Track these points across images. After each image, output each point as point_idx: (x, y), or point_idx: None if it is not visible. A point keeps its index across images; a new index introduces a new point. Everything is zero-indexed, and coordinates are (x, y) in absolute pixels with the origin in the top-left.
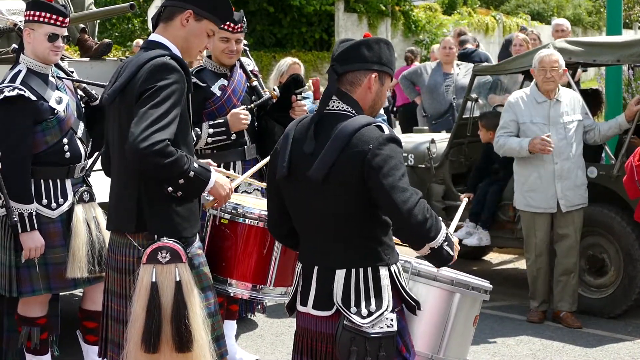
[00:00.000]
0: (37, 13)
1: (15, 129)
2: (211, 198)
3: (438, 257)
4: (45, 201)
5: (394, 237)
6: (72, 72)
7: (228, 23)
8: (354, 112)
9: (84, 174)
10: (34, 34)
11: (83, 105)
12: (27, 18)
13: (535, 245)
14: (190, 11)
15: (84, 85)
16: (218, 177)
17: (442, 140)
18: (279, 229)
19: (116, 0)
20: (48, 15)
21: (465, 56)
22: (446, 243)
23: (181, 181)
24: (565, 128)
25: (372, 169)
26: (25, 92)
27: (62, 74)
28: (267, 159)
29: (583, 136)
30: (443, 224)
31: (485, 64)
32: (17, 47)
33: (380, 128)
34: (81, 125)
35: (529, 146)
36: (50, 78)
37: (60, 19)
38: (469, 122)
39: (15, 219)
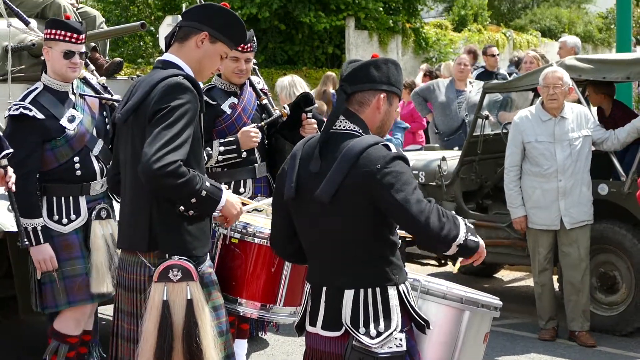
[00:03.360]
0: (53, 31)
1: (23, 146)
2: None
3: (466, 250)
4: (56, 217)
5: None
6: (106, 88)
7: None
8: (361, 131)
9: (107, 190)
10: (51, 52)
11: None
12: (45, 37)
13: (538, 262)
14: (206, 33)
15: (111, 102)
16: (229, 195)
17: (453, 157)
18: (284, 248)
19: (127, 19)
20: (63, 32)
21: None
22: (469, 234)
23: (193, 200)
24: (571, 145)
25: (384, 187)
26: (30, 110)
27: (89, 91)
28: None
29: (601, 146)
30: (460, 218)
31: (495, 81)
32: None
33: (387, 147)
34: (99, 144)
35: (515, 217)
36: (70, 95)
37: (75, 35)
38: (480, 139)
39: (27, 242)
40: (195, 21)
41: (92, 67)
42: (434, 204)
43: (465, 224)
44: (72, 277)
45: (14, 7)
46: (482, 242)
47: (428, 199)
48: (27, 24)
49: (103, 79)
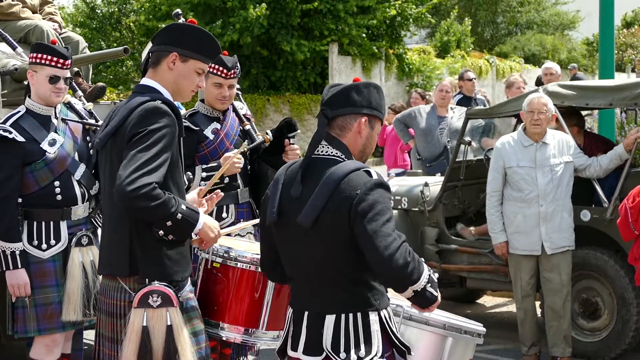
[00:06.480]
0: (39, 55)
1: (3, 168)
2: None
3: (422, 299)
4: (35, 242)
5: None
6: (92, 113)
7: (221, 69)
8: (343, 156)
9: (90, 215)
10: (36, 76)
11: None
12: (30, 60)
13: (520, 288)
14: (175, 54)
15: (95, 127)
16: (206, 219)
17: (435, 183)
18: (272, 273)
19: (109, 44)
20: (49, 57)
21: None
22: (429, 285)
23: (169, 223)
24: (552, 171)
25: (358, 214)
26: (10, 133)
27: (72, 116)
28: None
29: (584, 173)
30: (426, 266)
31: (478, 107)
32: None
33: (368, 173)
34: (81, 168)
35: (497, 242)
36: (53, 120)
37: (61, 61)
38: (462, 165)
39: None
40: (163, 44)
41: (80, 92)
42: (402, 242)
43: (429, 275)
44: (44, 305)
45: (3, 32)
46: (439, 299)
47: (398, 235)
48: (14, 48)
49: (90, 105)
